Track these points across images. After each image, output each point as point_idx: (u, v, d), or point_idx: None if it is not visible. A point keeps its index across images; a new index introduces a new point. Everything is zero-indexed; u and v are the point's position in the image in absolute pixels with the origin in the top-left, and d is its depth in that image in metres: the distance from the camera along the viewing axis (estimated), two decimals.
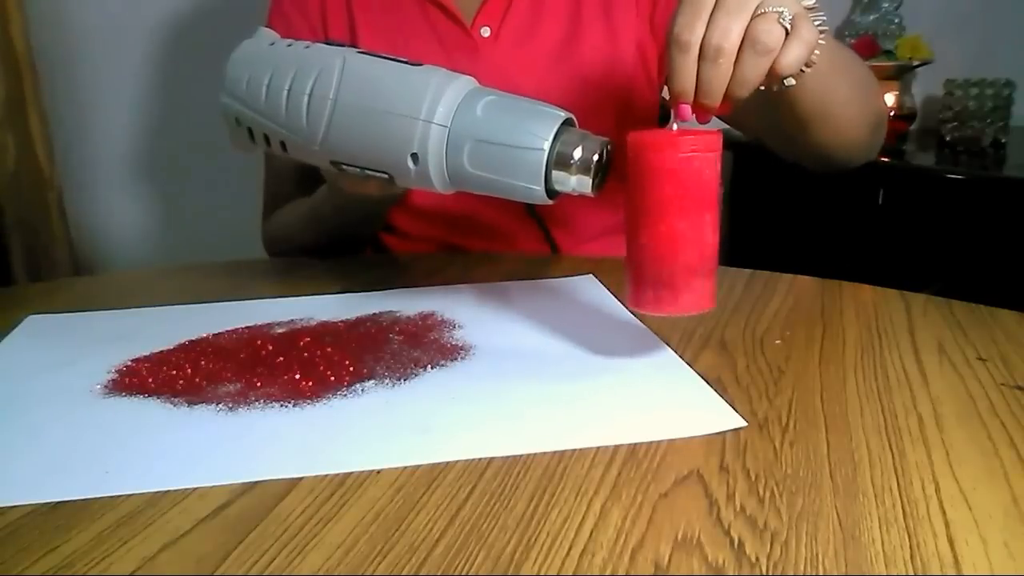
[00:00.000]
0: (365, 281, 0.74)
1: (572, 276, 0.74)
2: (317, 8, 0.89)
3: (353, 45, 0.58)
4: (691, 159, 0.47)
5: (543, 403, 0.49)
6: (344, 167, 0.57)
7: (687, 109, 0.51)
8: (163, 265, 0.85)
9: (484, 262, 0.80)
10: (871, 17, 1.67)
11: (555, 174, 0.51)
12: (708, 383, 0.51)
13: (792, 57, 0.50)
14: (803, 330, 0.60)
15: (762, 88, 0.56)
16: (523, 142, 0.50)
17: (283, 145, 0.58)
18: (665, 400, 0.49)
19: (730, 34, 0.48)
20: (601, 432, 0.45)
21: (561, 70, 0.86)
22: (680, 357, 0.55)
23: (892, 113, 1.56)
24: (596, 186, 0.51)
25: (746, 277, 0.73)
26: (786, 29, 0.50)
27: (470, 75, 0.55)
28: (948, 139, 1.52)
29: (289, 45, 0.59)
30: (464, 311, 0.65)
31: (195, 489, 0.41)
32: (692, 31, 0.49)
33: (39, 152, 1.59)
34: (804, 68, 0.57)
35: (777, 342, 0.58)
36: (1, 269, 1.59)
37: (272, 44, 0.60)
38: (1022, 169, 1.39)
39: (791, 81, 0.57)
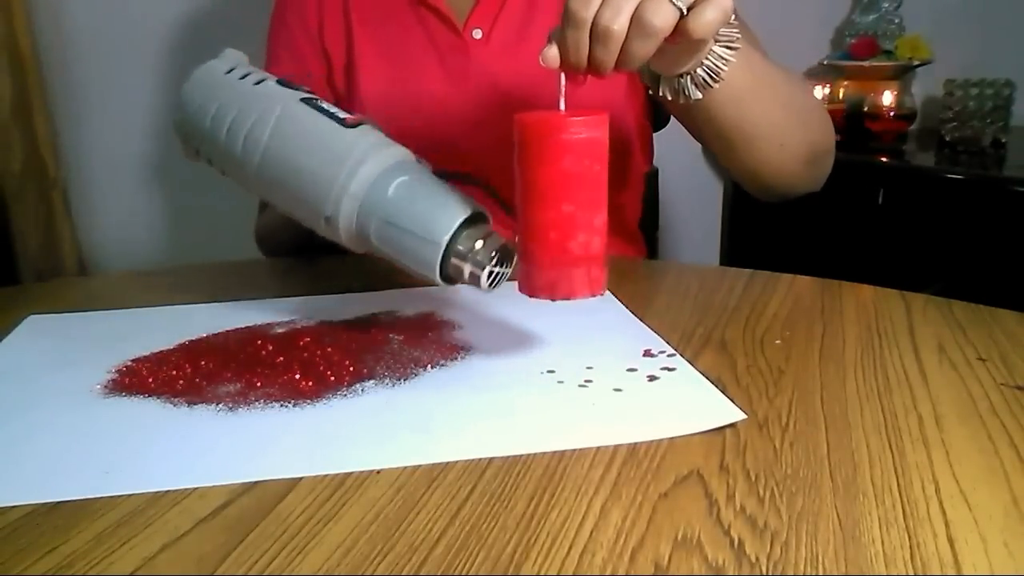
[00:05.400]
0: (365, 281, 0.74)
1: None
2: (315, 14, 0.89)
3: (303, 89, 0.59)
4: (578, 142, 0.47)
5: (543, 402, 0.49)
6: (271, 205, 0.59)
7: (571, 80, 0.52)
8: (164, 265, 0.84)
9: None
10: (871, 17, 1.67)
11: (452, 266, 0.51)
12: (708, 379, 0.51)
13: (705, 19, 0.50)
14: (803, 330, 0.60)
15: (669, 98, 0.58)
16: (423, 232, 0.51)
17: (223, 171, 0.61)
18: (666, 398, 0.49)
19: (619, 15, 0.49)
20: (602, 431, 0.45)
21: (552, 74, 0.86)
22: (680, 356, 0.55)
23: (892, 113, 1.56)
24: (492, 284, 0.52)
25: (746, 277, 0.73)
26: (680, 10, 0.50)
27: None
28: (948, 139, 1.52)
29: (243, 77, 0.60)
30: (464, 311, 0.65)
31: (195, 489, 0.41)
32: (587, 8, 0.49)
33: (44, 152, 1.59)
34: (712, 82, 0.58)
35: (777, 342, 0.58)
36: (7, 268, 1.59)
37: (229, 72, 0.61)
38: (1022, 169, 1.39)
39: (697, 94, 0.58)
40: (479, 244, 0.51)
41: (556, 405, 0.49)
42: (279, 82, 0.59)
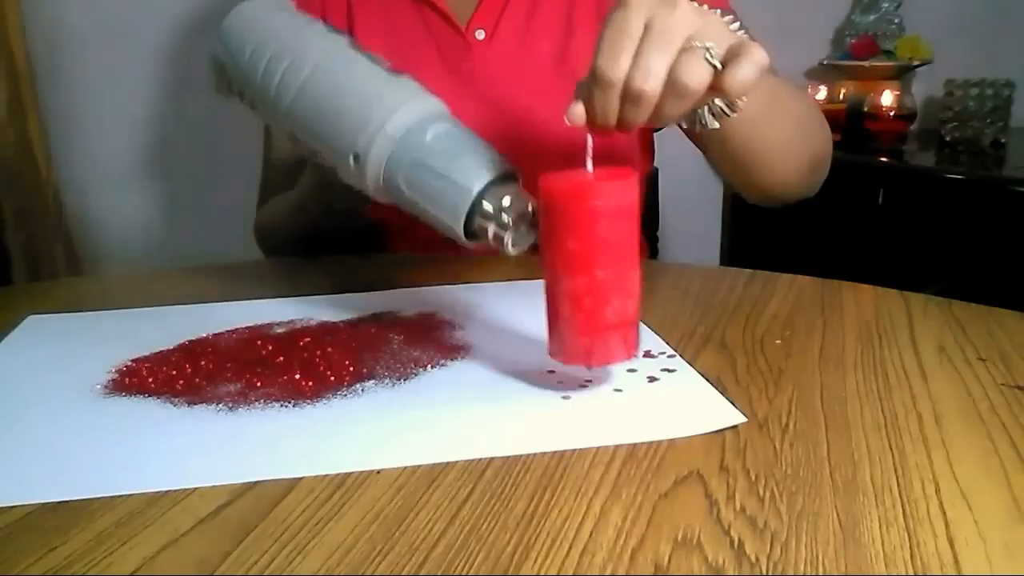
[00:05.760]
0: (365, 281, 0.74)
1: None
2: (318, 6, 0.89)
3: (351, 35, 0.59)
4: (610, 208, 0.45)
5: (543, 403, 0.49)
6: (298, 141, 0.59)
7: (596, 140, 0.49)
8: (162, 266, 0.85)
9: (484, 262, 0.80)
10: (871, 17, 1.67)
11: (478, 220, 0.51)
12: (708, 381, 0.51)
13: (741, 78, 0.47)
14: (803, 330, 0.60)
15: (684, 127, 0.56)
16: (456, 177, 0.50)
17: (252, 104, 0.61)
18: (666, 399, 0.49)
19: (650, 77, 0.46)
20: (601, 432, 0.45)
21: (554, 74, 0.86)
22: (680, 356, 0.55)
23: (892, 113, 1.56)
24: (514, 244, 0.51)
25: (746, 277, 0.73)
26: (714, 67, 0.47)
27: (440, 98, 0.56)
28: (948, 139, 1.52)
29: (291, 16, 0.60)
30: (464, 311, 0.65)
31: (195, 489, 0.41)
32: (616, 67, 0.46)
33: (37, 152, 1.59)
34: (728, 112, 0.56)
35: (777, 342, 0.58)
36: (0, 268, 1.59)
37: (277, 10, 0.61)
38: (1022, 169, 1.39)
39: (714, 124, 0.56)
40: (507, 201, 0.50)
41: (556, 406, 0.49)
42: (328, 27, 0.59)
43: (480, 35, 0.86)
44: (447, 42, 0.86)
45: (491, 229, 0.50)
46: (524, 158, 0.90)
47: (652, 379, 0.52)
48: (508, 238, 0.50)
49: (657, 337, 0.59)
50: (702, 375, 0.52)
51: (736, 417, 0.46)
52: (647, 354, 0.56)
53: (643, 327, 0.60)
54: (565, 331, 0.48)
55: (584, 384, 0.51)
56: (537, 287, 0.71)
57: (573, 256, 0.46)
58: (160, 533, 0.37)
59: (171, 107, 1.74)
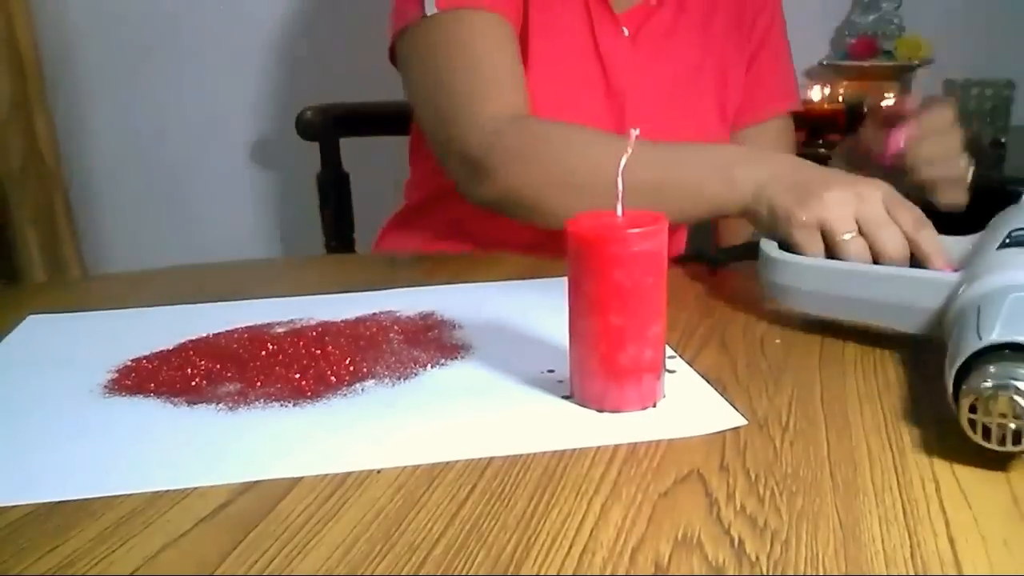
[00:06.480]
0: (365, 281, 0.74)
1: None
2: None
3: None
4: (631, 255, 0.45)
5: (542, 402, 0.49)
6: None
7: None
8: (164, 264, 0.85)
9: (484, 262, 0.80)
10: (871, 17, 1.67)
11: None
12: (708, 383, 0.51)
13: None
14: (803, 330, 0.60)
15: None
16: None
17: None
18: (666, 400, 0.49)
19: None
20: (600, 432, 0.45)
21: (689, 83, 0.91)
22: (680, 357, 0.55)
23: None
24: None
25: (746, 277, 0.73)
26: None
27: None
28: None
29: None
30: (464, 311, 0.65)
31: (195, 489, 0.41)
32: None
33: (45, 151, 1.59)
34: None
35: (777, 342, 0.58)
36: (9, 267, 1.59)
37: None
38: (1022, 169, 1.39)
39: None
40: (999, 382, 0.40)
41: (555, 405, 0.49)
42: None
43: (625, 32, 0.88)
44: (602, 27, 0.87)
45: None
46: None
47: None
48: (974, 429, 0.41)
49: None
50: (702, 376, 0.52)
51: (736, 419, 0.46)
52: None
53: None
54: (582, 373, 0.48)
55: None
56: (536, 286, 0.72)
57: (591, 299, 0.46)
58: (160, 533, 0.37)
59: (177, 106, 1.75)
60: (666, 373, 0.52)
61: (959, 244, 0.60)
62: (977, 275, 0.51)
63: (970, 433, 0.41)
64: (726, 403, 0.48)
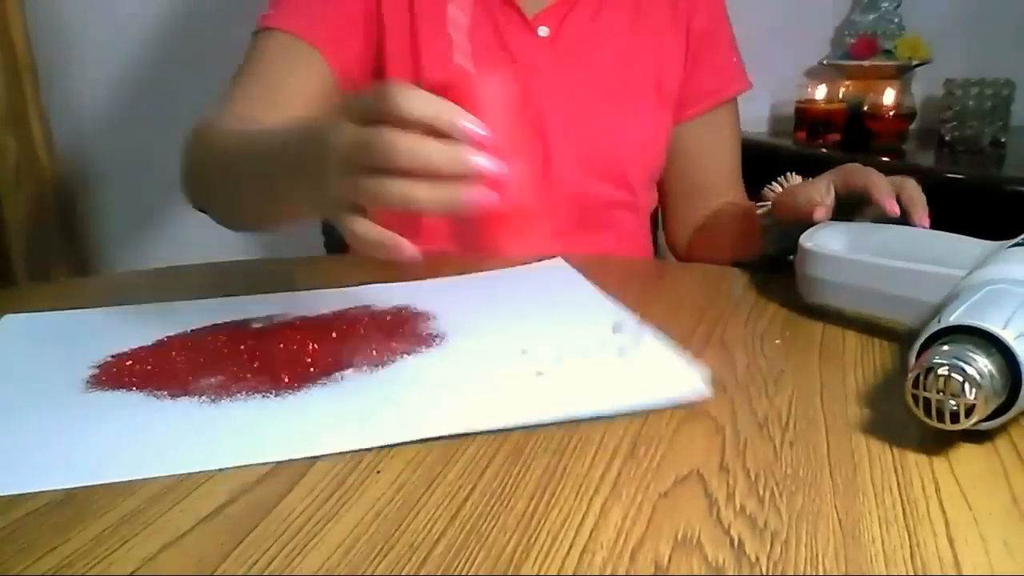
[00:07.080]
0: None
1: (542, 261, 0.76)
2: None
3: None
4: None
5: (518, 379, 0.51)
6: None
7: None
8: (159, 265, 0.84)
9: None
10: (871, 17, 1.67)
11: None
12: (705, 380, 0.51)
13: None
14: (803, 330, 0.60)
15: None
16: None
17: None
18: (635, 370, 0.52)
19: None
20: (574, 403, 0.47)
21: (614, 78, 0.88)
22: (647, 328, 0.55)
23: (892, 113, 1.56)
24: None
25: (746, 277, 0.73)
26: None
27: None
28: (948, 139, 1.52)
29: None
30: (437, 303, 0.66)
31: (195, 488, 0.41)
32: None
33: (40, 152, 1.59)
34: None
35: (777, 342, 0.58)
36: (2, 269, 1.59)
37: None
38: (1022, 169, 1.39)
39: None
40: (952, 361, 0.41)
41: (531, 381, 0.51)
42: None
43: (543, 32, 0.86)
44: (512, 33, 0.86)
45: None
46: (578, 156, 0.91)
47: (622, 351, 0.54)
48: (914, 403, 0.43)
49: (625, 311, 0.61)
50: (670, 343, 0.55)
51: (698, 384, 0.49)
52: (617, 328, 0.58)
53: (610, 303, 0.63)
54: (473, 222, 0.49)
55: (557, 361, 0.53)
56: (509, 275, 0.73)
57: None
58: (160, 533, 0.37)
59: (173, 107, 1.74)
60: (634, 345, 0.55)
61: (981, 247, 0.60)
62: (975, 270, 0.52)
63: (912, 407, 0.43)
64: (691, 368, 0.51)
